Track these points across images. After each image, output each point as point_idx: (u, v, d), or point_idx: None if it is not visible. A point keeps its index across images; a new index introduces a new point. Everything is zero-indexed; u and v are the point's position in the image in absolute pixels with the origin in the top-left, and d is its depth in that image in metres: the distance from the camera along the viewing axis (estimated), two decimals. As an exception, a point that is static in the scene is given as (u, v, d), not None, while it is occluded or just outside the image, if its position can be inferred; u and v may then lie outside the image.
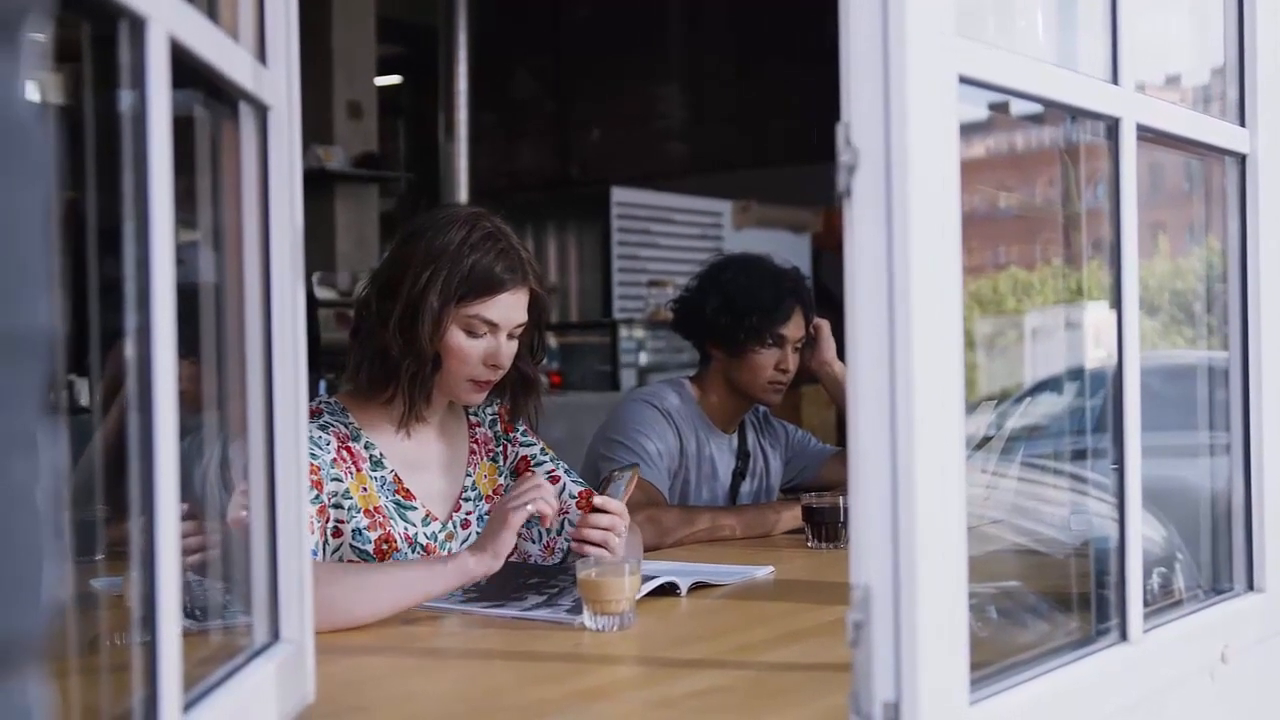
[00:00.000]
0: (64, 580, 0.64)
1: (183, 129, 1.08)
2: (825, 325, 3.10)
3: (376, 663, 1.76)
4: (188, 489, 1.07)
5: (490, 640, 1.82)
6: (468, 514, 2.31)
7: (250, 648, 1.33)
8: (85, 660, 1.22)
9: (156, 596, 1.01)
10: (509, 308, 2.19)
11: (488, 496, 2.34)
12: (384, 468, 2.21)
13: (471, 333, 2.17)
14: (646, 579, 2.02)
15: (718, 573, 2.27)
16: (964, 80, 1.24)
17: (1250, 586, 1.81)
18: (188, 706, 1.08)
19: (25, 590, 0.58)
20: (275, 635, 1.37)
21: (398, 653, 1.79)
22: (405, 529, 2.19)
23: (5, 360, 0.57)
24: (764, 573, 2.35)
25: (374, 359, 2.19)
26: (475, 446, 2.37)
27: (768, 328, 2.97)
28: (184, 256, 1.09)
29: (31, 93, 0.61)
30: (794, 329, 3.01)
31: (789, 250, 6.89)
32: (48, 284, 0.60)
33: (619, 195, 8.24)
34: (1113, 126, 1.52)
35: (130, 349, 1.01)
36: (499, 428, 2.40)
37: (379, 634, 1.87)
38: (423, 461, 2.28)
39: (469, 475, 2.33)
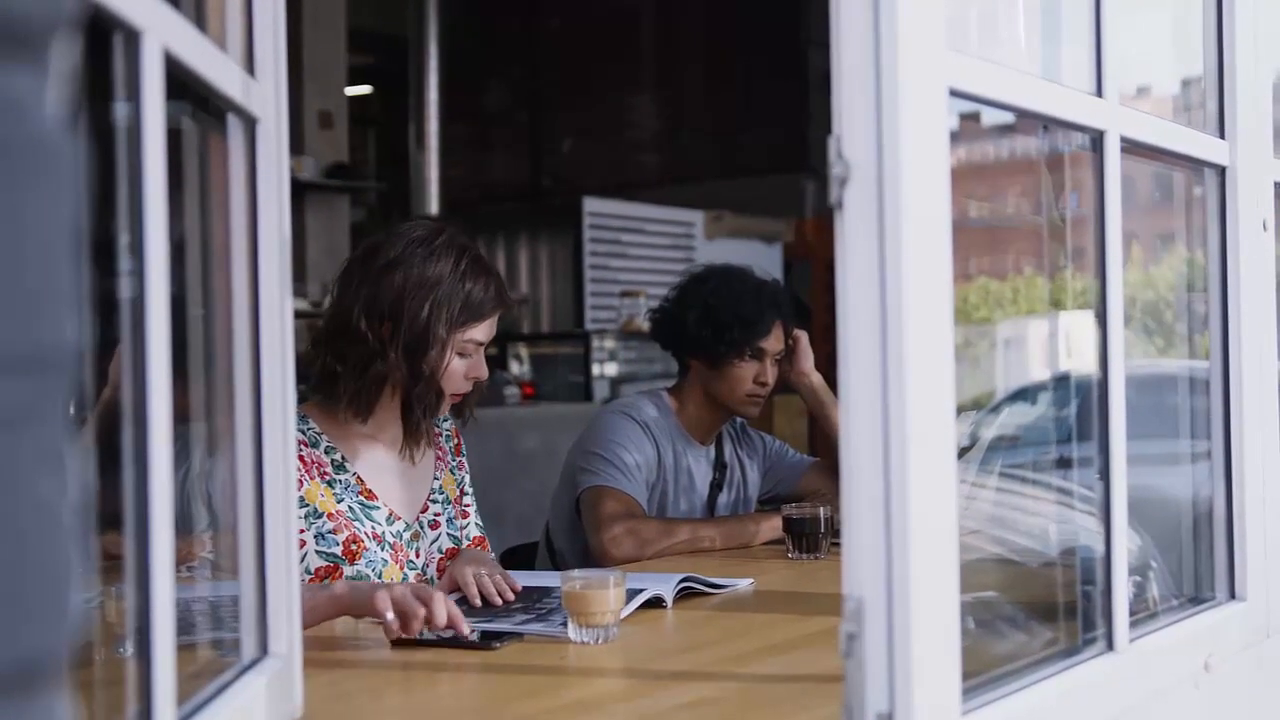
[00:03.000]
0: (87, 596, 0.63)
1: (169, 141, 1.08)
2: (804, 336, 3.10)
3: (364, 677, 1.75)
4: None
5: (477, 654, 1.81)
6: (436, 515, 2.38)
7: (239, 663, 1.32)
8: (75, 675, 1.20)
9: (151, 612, 1.00)
10: (493, 326, 2.32)
11: (454, 501, 2.42)
12: (347, 471, 2.27)
13: (462, 354, 2.28)
14: (631, 593, 2.02)
15: (702, 580, 2.27)
16: (954, 93, 1.25)
17: (1232, 595, 1.82)
18: (180, 722, 1.08)
19: (54, 607, 0.58)
20: (264, 650, 1.36)
21: (385, 667, 1.79)
22: (372, 528, 2.25)
23: (34, 377, 0.57)
24: (745, 584, 2.35)
25: (372, 385, 2.23)
26: (440, 453, 2.45)
27: (748, 341, 2.96)
28: (171, 268, 1.08)
29: (58, 109, 0.61)
30: (774, 342, 3.00)
31: (760, 260, 6.88)
32: (75, 300, 0.60)
33: (591, 205, 8.23)
34: (1097, 139, 1.53)
35: (123, 361, 1.01)
36: (452, 445, 2.49)
37: (366, 649, 1.86)
38: (389, 465, 2.33)
39: (436, 479, 2.41)
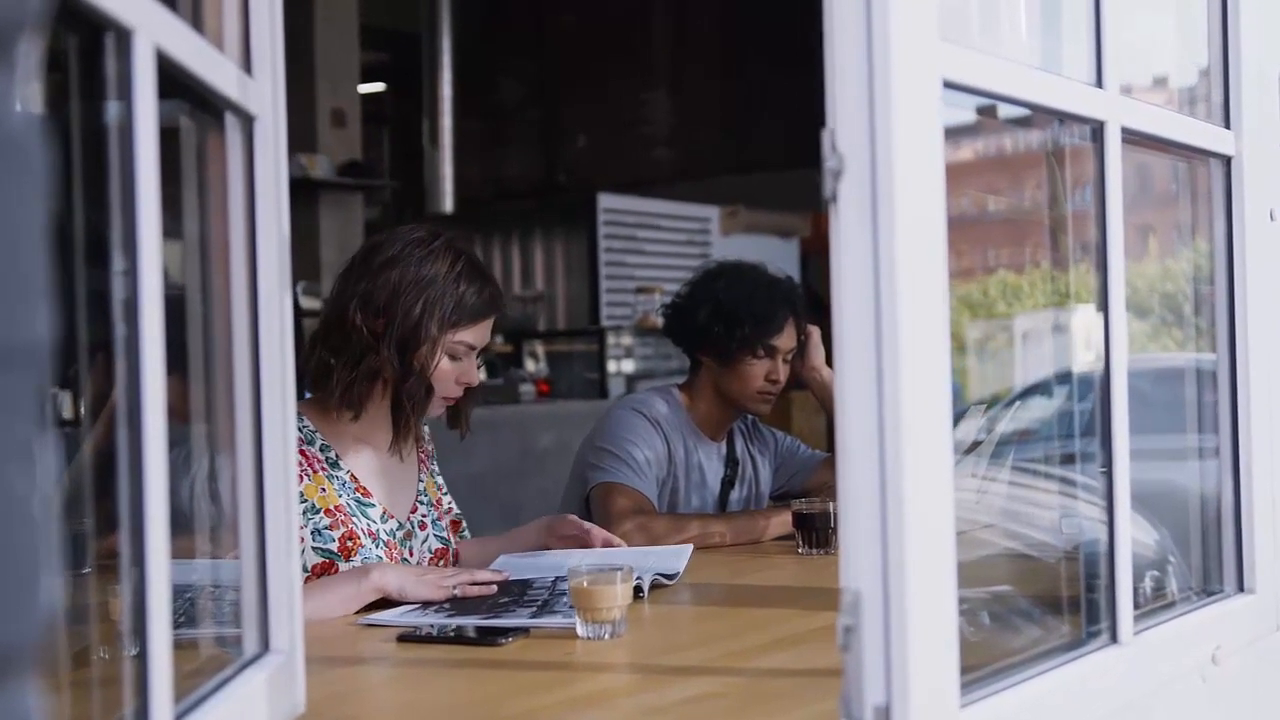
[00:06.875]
0: (60, 590, 0.64)
1: (167, 139, 1.08)
2: (815, 332, 3.09)
3: (366, 673, 1.76)
4: (175, 502, 1.07)
5: (480, 650, 1.82)
6: (423, 517, 2.42)
7: (241, 658, 1.33)
8: (73, 673, 1.21)
9: (147, 608, 1.00)
10: (487, 331, 2.35)
11: (435, 504, 2.46)
12: (341, 469, 2.30)
13: (453, 356, 2.30)
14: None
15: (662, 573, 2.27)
16: (948, 85, 1.25)
17: (1240, 588, 1.81)
18: (179, 717, 1.08)
19: (24, 599, 0.59)
20: (265, 646, 1.37)
21: (388, 663, 1.79)
22: (368, 525, 2.28)
23: (4, 371, 0.58)
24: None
25: (364, 379, 2.26)
26: (423, 457, 2.49)
27: (760, 338, 2.95)
28: (168, 268, 1.09)
29: (27, 106, 0.62)
30: (786, 340, 2.99)
31: (777, 255, 6.89)
32: (45, 296, 0.61)
33: (606, 201, 8.23)
34: (1098, 129, 1.52)
35: (118, 361, 1.01)
36: (430, 450, 2.53)
37: (369, 645, 1.87)
38: (379, 466, 2.36)
39: (420, 481, 2.45)
